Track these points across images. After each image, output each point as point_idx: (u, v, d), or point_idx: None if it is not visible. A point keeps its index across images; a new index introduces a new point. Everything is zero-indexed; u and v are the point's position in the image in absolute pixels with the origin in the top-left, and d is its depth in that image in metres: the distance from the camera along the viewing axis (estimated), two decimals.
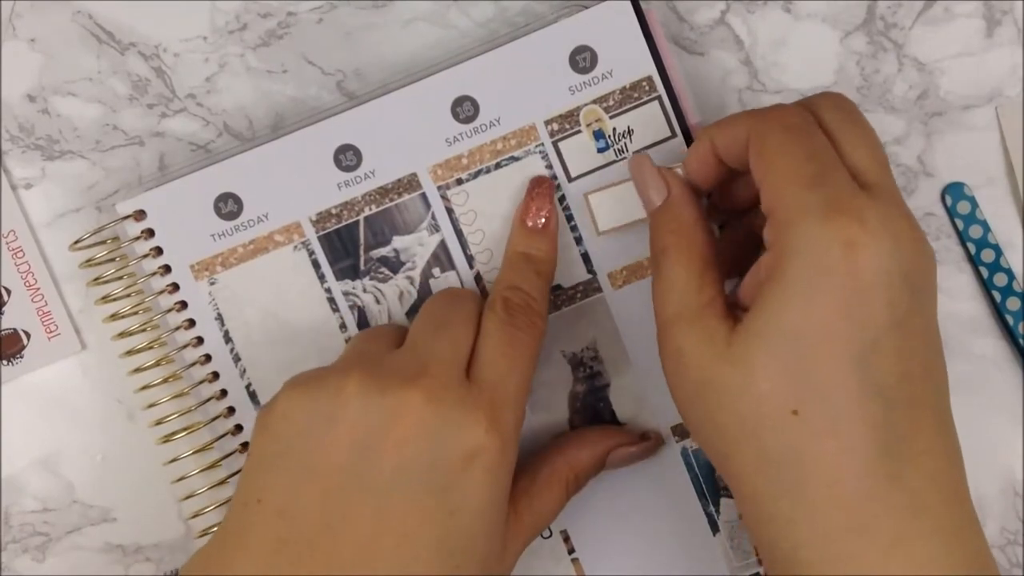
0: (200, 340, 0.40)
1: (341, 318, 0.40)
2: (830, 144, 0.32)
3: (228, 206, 0.40)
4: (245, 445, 0.40)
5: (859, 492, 0.30)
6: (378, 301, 0.40)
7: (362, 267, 0.40)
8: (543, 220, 0.38)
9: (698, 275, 0.33)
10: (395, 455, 0.33)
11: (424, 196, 0.40)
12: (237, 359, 0.40)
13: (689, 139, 0.39)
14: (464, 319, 0.36)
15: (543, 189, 0.39)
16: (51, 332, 0.42)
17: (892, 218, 0.30)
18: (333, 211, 0.40)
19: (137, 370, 0.40)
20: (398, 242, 0.40)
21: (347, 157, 0.39)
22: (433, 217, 0.40)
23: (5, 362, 0.42)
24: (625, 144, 0.39)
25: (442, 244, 0.40)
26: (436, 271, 0.40)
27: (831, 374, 0.30)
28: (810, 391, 0.30)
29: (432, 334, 0.35)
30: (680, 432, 0.40)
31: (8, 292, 0.42)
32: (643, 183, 0.36)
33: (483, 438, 0.33)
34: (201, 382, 0.40)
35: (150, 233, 0.40)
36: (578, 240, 0.40)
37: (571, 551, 0.40)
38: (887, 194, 0.31)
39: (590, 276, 0.40)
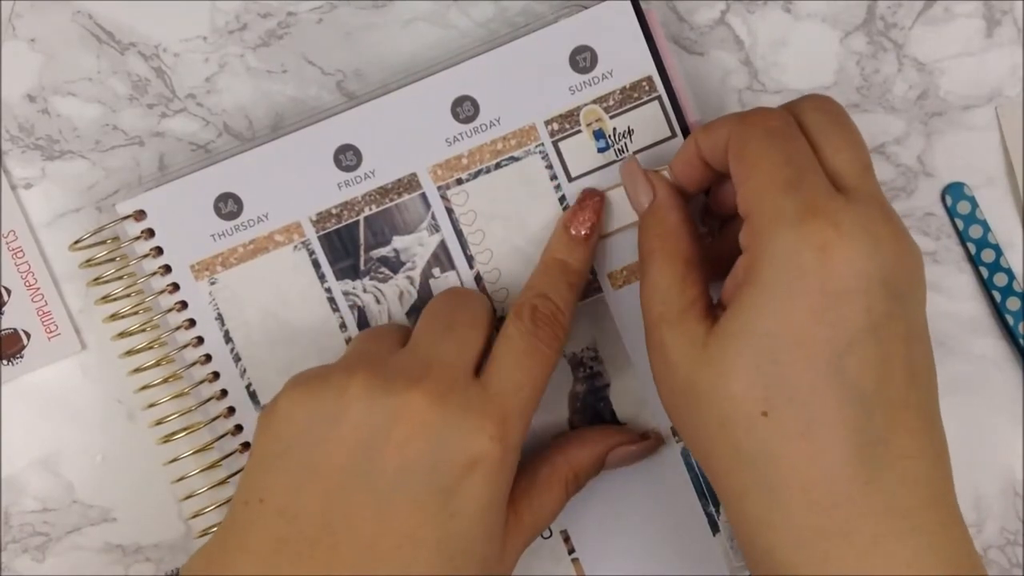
0: (200, 340, 0.40)
1: (341, 318, 0.40)
2: (810, 148, 0.32)
3: (228, 206, 0.40)
4: (245, 445, 0.40)
5: (834, 495, 0.30)
6: (378, 301, 0.40)
7: (362, 267, 0.40)
8: (586, 232, 0.38)
9: (680, 278, 0.34)
10: (397, 456, 0.33)
11: (424, 196, 0.40)
12: (237, 359, 0.40)
13: None
14: (470, 320, 0.36)
15: (594, 202, 0.38)
16: (51, 332, 0.42)
17: (871, 221, 0.30)
18: (333, 211, 0.40)
19: (137, 370, 0.40)
20: (398, 242, 0.40)
21: (347, 157, 0.39)
22: (433, 217, 0.40)
23: (5, 362, 0.42)
24: (625, 144, 0.39)
25: (442, 244, 0.40)
26: (436, 271, 0.40)
27: (804, 377, 0.30)
28: (782, 393, 0.30)
29: (437, 335, 0.35)
30: None
31: (8, 292, 0.42)
32: (632, 187, 0.37)
33: (487, 445, 0.33)
34: (201, 382, 0.40)
35: (150, 233, 0.40)
36: None
37: (571, 551, 0.40)
38: (867, 197, 0.31)
39: (590, 276, 0.40)
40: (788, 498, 0.30)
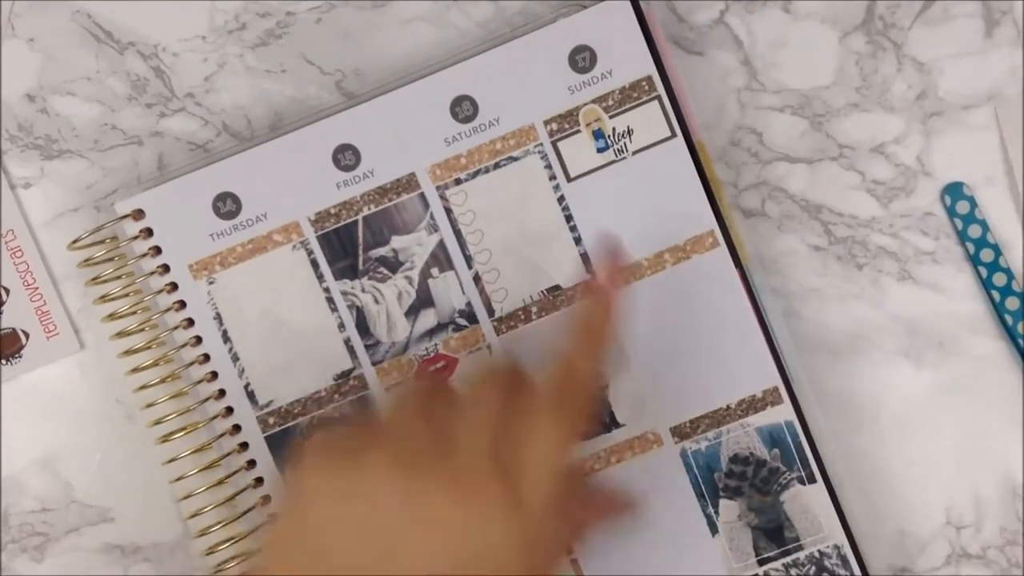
0: (199, 339, 0.40)
1: (339, 318, 0.40)
2: None
3: (227, 205, 0.40)
4: (243, 445, 0.40)
5: None
6: (376, 301, 0.40)
7: (361, 267, 0.40)
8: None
9: None
10: (418, 543, 0.30)
11: (423, 196, 0.40)
12: (235, 358, 0.40)
13: (689, 139, 0.39)
14: (523, 407, 0.33)
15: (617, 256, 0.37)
16: (50, 332, 0.42)
17: None
18: (332, 211, 0.40)
19: (135, 369, 0.40)
20: (397, 242, 0.40)
21: (346, 157, 0.39)
22: (432, 217, 0.40)
23: (4, 362, 0.42)
24: (625, 144, 0.39)
25: (441, 244, 0.40)
26: (435, 271, 0.40)
27: None
28: None
29: (464, 411, 0.33)
30: (680, 433, 0.40)
31: (7, 292, 0.42)
32: None
33: (512, 537, 0.31)
34: (199, 381, 0.40)
35: (149, 232, 0.40)
36: (578, 240, 0.40)
37: (570, 551, 0.40)
38: None
39: (590, 276, 0.40)
40: None
